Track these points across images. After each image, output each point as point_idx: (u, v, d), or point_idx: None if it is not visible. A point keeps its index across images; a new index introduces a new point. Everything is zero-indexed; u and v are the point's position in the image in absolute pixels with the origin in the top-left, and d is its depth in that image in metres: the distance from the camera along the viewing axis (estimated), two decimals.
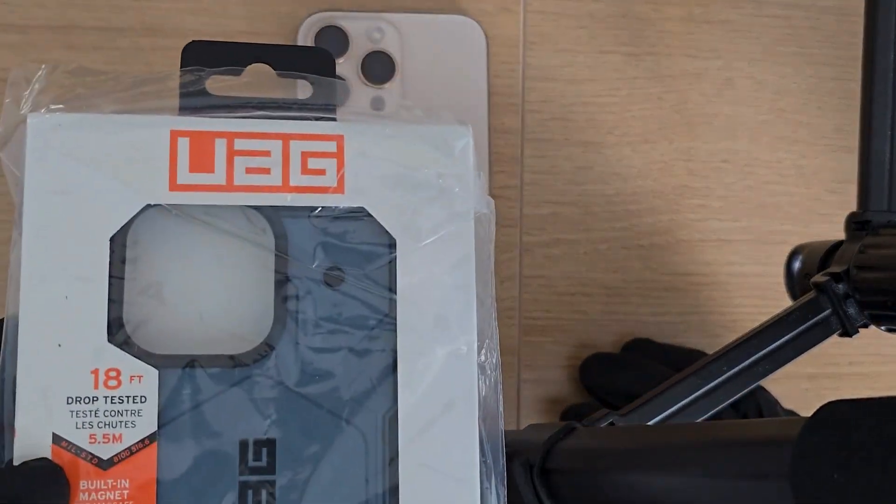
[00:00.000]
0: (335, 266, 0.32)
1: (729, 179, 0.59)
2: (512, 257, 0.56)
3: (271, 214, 0.32)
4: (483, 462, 0.33)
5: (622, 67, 0.58)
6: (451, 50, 0.55)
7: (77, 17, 0.53)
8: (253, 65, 0.33)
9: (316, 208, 0.32)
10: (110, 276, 0.30)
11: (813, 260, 0.49)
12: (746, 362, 0.45)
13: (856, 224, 0.47)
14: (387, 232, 0.32)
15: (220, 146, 0.31)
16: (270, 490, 0.30)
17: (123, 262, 0.30)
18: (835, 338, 0.45)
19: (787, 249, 0.52)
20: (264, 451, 0.30)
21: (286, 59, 0.34)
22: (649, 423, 0.44)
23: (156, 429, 0.29)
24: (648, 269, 0.58)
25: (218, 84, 0.32)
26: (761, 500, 0.29)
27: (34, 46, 0.52)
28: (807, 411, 0.28)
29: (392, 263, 0.32)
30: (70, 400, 0.29)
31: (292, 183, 0.32)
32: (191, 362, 0.30)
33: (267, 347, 0.31)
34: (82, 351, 0.29)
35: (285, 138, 0.32)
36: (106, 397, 0.29)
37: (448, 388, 0.32)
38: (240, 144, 0.32)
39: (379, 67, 0.53)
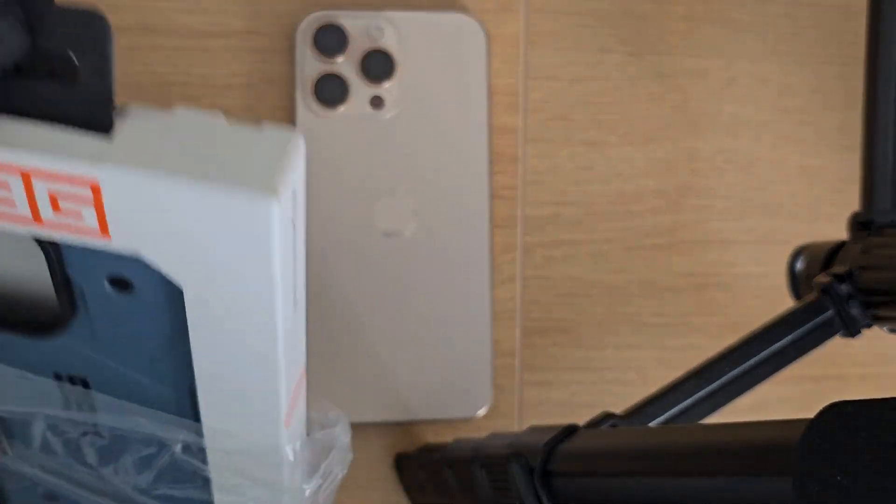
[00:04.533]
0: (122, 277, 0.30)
1: (732, 179, 0.59)
2: (512, 258, 0.56)
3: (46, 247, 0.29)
4: None
5: (624, 66, 0.58)
6: (452, 48, 0.54)
7: None
8: None
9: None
10: None
11: (816, 260, 0.49)
12: (749, 363, 0.45)
13: (859, 224, 0.47)
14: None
15: None
16: None
17: None
18: (838, 339, 0.45)
19: (791, 249, 0.52)
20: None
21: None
22: (651, 425, 0.44)
23: None
24: (651, 269, 0.58)
25: None
26: (764, 502, 0.29)
27: None
28: (810, 413, 0.28)
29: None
30: None
31: (45, 218, 0.27)
32: None
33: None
34: None
35: (25, 176, 0.26)
36: None
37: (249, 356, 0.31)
38: None
39: (378, 66, 0.53)
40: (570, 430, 0.40)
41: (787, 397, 0.58)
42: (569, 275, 0.57)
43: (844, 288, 0.44)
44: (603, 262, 0.58)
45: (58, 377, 0.31)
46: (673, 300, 0.59)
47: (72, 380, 0.31)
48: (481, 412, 0.55)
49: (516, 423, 0.56)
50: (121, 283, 0.29)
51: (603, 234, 0.58)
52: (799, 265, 0.51)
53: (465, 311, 0.55)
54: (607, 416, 0.44)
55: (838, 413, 0.27)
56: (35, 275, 0.30)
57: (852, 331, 0.44)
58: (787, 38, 0.60)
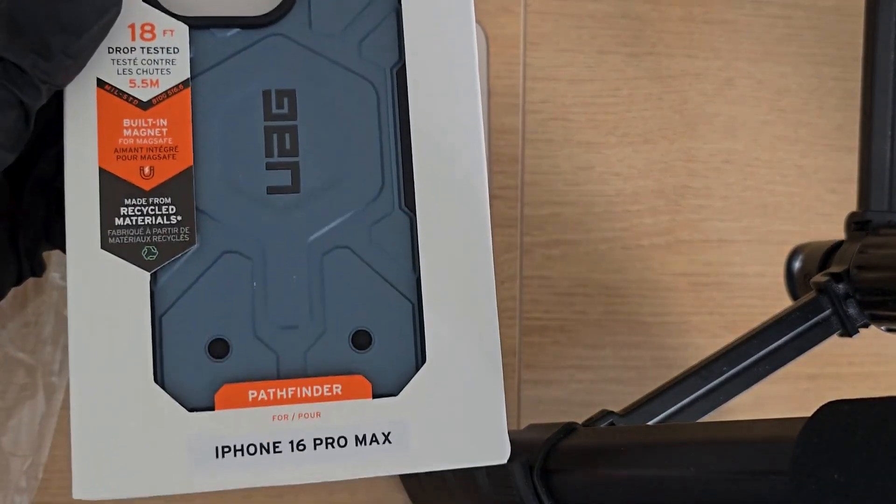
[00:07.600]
0: None
1: (730, 179, 0.59)
2: (512, 258, 0.56)
3: None
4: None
5: (622, 67, 0.58)
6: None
7: None
8: None
9: None
10: None
11: (813, 260, 0.49)
12: (747, 362, 0.45)
13: (856, 224, 0.47)
14: None
15: None
16: (293, 134, 0.33)
17: None
18: (835, 338, 0.45)
19: (788, 249, 0.52)
20: (286, 99, 0.33)
21: None
22: (649, 424, 0.44)
23: (188, 76, 0.32)
24: (649, 269, 0.59)
25: None
26: (762, 500, 0.29)
27: None
28: (807, 411, 0.28)
29: None
30: (111, 50, 0.32)
31: None
32: (216, 21, 0.33)
33: (282, 10, 0.34)
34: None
35: None
36: (142, 48, 0.33)
37: (450, 42, 0.34)
38: None
39: None
40: (570, 429, 0.40)
41: (784, 395, 0.58)
42: (568, 274, 0.57)
43: (842, 287, 0.45)
44: (602, 261, 0.58)
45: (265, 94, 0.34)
46: (671, 299, 0.59)
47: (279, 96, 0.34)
48: None
49: (516, 421, 0.56)
50: None
51: (602, 233, 0.58)
52: (796, 265, 0.51)
53: None
54: (606, 415, 0.44)
55: (835, 412, 0.27)
56: None
57: (849, 330, 0.45)
58: (784, 39, 0.60)
